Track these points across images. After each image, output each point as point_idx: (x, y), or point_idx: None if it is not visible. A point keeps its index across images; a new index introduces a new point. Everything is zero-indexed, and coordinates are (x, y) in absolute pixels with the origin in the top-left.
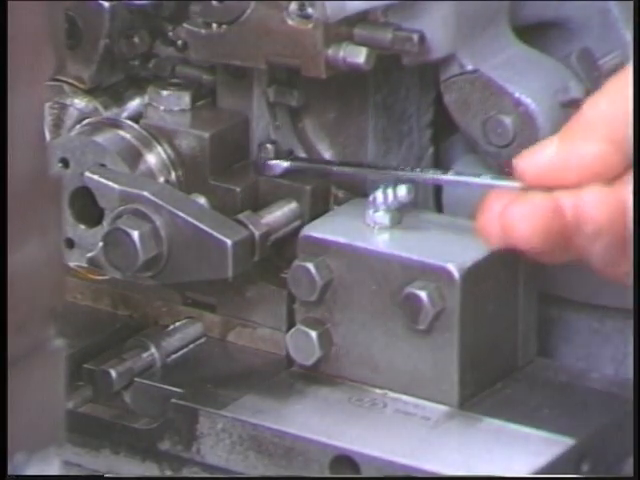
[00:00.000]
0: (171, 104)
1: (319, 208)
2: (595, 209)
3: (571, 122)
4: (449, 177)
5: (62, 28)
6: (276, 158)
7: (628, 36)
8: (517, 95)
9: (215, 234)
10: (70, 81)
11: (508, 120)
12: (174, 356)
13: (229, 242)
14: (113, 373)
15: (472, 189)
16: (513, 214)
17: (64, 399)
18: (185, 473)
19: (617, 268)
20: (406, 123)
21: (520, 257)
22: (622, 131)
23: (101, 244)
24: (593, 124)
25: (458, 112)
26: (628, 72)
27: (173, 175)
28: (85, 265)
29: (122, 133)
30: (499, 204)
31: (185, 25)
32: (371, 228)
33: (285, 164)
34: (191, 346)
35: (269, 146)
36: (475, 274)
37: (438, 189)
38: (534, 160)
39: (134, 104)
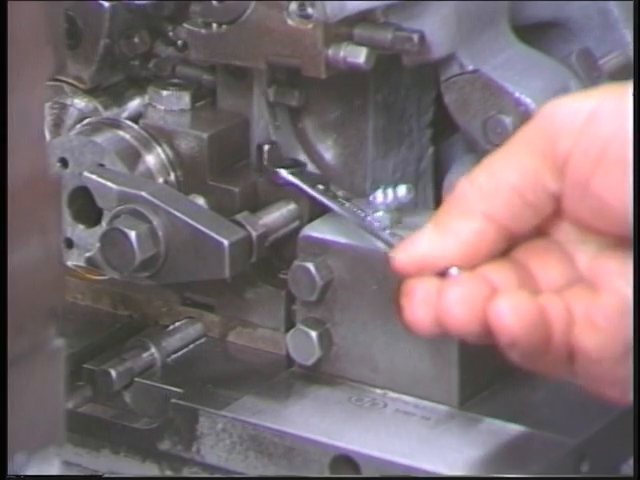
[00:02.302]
0: (171, 104)
1: (318, 209)
2: (510, 319)
3: (446, 202)
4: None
5: (62, 28)
6: (283, 166)
7: (628, 36)
8: (517, 95)
9: (212, 234)
10: (70, 81)
11: (508, 120)
12: (174, 356)
13: (226, 242)
14: (113, 373)
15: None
16: (449, 298)
17: (64, 399)
18: (185, 473)
19: (539, 366)
20: (406, 123)
21: None
22: (499, 206)
23: (98, 244)
24: (469, 200)
25: (458, 112)
26: (508, 147)
27: (172, 176)
28: (84, 265)
29: (121, 133)
30: (423, 289)
31: (185, 25)
32: None
33: (289, 176)
34: (191, 346)
35: (266, 147)
36: None
37: (438, 189)
38: (409, 251)
39: (134, 104)
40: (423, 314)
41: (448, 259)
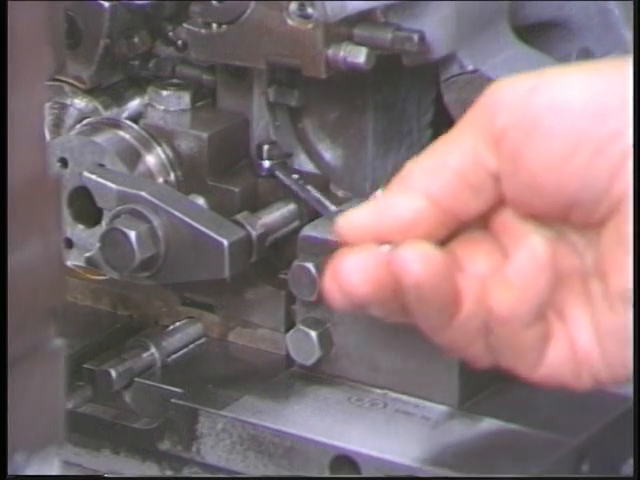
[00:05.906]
0: (171, 104)
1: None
2: (416, 267)
3: (393, 180)
4: None
5: (62, 28)
6: (271, 158)
7: (628, 36)
8: None
9: (212, 234)
10: (70, 81)
11: None
12: (174, 356)
13: (226, 242)
14: (113, 373)
15: None
16: (346, 266)
17: (64, 399)
18: (185, 473)
19: (444, 334)
20: (406, 123)
21: None
22: (440, 186)
23: (98, 244)
24: (411, 179)
25: (458, 112)
26: (455, 128)
27: (172, 175)
28: (84, 265)
29: (121, 133)
30: (332, 264)
31: (185, 25)
32: None
33: (267, 164)
34: (191, 346)
35: (265, 147)
36: None
37: None
38: (349, 220)
39: (134, 104)
40: (332, 287)
41: (384, 234)
